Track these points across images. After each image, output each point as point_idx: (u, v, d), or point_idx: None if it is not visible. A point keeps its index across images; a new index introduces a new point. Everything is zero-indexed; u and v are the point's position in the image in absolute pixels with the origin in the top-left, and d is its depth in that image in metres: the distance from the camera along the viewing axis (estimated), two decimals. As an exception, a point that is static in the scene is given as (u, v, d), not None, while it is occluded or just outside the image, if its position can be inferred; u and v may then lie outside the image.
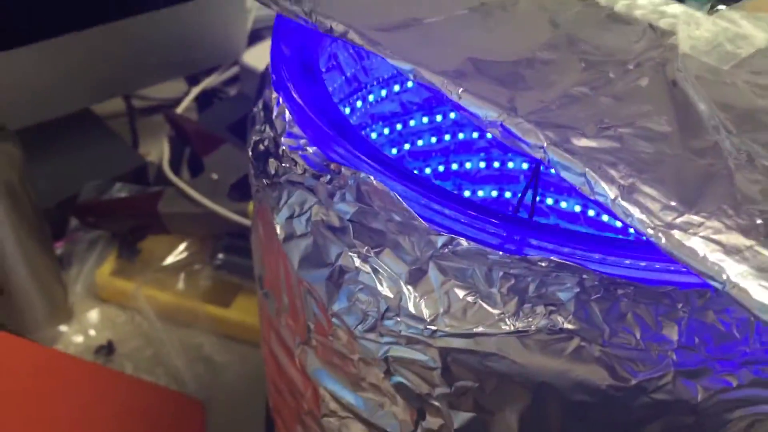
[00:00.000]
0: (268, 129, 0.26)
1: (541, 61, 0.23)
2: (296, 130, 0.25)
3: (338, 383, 0.26)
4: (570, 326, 0.20)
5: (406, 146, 0.44)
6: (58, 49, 0.56)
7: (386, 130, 0.42)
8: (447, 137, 0.45)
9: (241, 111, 0.59)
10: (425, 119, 0.43)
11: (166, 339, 0.50)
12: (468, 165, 0.46)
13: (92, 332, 0.51)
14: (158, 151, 0.60)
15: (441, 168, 0.45)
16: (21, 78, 0.55)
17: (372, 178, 0.22)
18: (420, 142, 0.44)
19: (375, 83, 0.40)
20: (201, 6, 0.62)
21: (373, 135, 0.42)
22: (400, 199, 0.21)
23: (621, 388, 0.20)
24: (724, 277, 0.17)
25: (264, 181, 0.25)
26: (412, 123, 0.43)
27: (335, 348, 0.25)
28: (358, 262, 0.23)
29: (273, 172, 0.25)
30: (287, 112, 0.25)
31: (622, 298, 0.20)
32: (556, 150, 0.20)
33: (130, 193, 0.54)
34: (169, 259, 0.53)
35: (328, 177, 0.23)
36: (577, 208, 0.43)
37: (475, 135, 0.44)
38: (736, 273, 0.17)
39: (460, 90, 0.21)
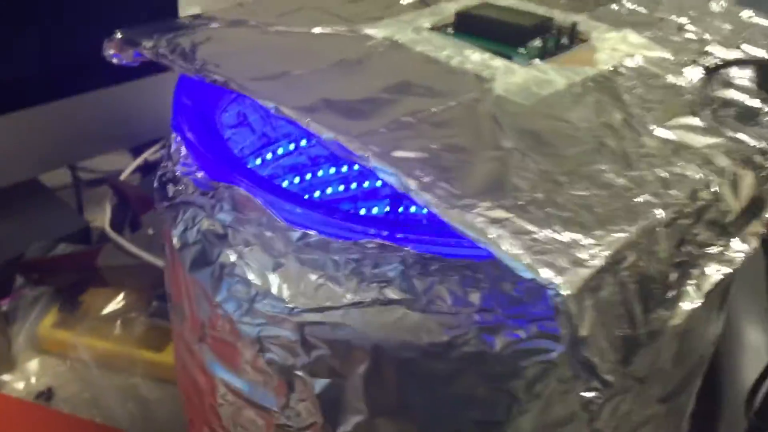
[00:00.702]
0: (169, 163, 0.32)
1: (381, 100, 0.30)
2: (189, 160, 0.31)
3: (228, 371, 0.31)
4: (396, 297, 0.26)
5: (317, 194, 0.50)
6: (6, 124, 0.62)
7: (296, 180, 0.48)
8: (353, 186, 0.51)
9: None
10: (332, 170, 0.50)
11: (102, 383, 0.54)
12: (375, 210, 0.52)
13: (33, 380, 0.55)
14: (102, 218, 0.65)
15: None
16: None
17: (242, 189, 0.27)
18: (329, 190, 0.50)
19: (283, 139, 0.46)
20: (142, 85, 0.68)
21: (285, 183, 0.47)
22: (263, 205, 0.27)
23: (437, 344, 0.26)
24: (487, 237, 0.23)
25: (164, 204, 0.31)
26: (320, 173, 0.49)
27: (223, 338, 0.30)
28: (234, 258, 0.28)
29: (171, 195, 0.31)
30: (183, 147, 0.31)
31: (435, 272, 0.26)
32: (378, 159, 0.26)
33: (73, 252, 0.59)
34: (107, 309, 0.57)
35: (212, 193, 0.29)
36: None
37: (379, 183, 0.51)
38: (495, 235, 0.23)
39: (308, 120, 0.27)
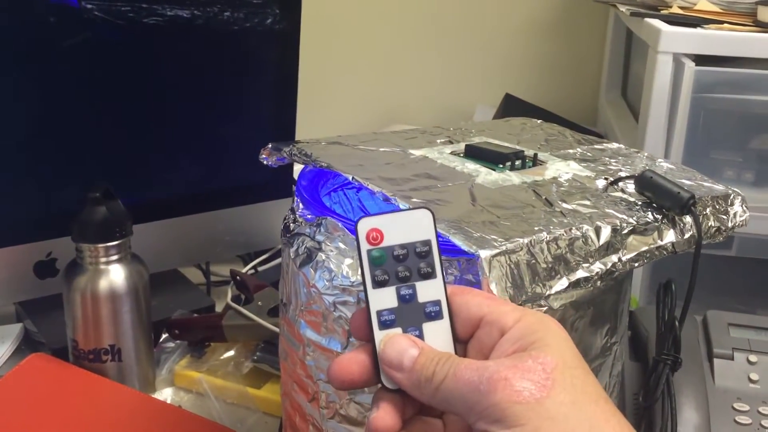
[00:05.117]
0: (290, 213, 0.59)
1: (409, 179, 0.56)
2: (302, 210, 0.58)
3: (313, 331, 0.56)
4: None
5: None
6: (160, 229, 0.92)
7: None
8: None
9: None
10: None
11: (215, 407, 0.79)
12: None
13: (168, 401, 0.81)
14: (226, 297, 0.92)
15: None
16: (143, 243, 0.90)
17: (329, 219, 0.54)
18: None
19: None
20: (258, 207, 0.98)
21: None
22: (341, 226, 0.53)
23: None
24: (450, 234, 0.48)
25: (287, 235, 0.58)
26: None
27: (313, 309, 0.55)
28: (324, 258, 0.54)
29: (291, 229, 0.58)
30: (300, 204, 0.58)
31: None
32: (400, 200, 0.52)
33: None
34: (223, 356, 0.83)
35: (314, 224, 0.56)
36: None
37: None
38: (454, 233, 0.48)
39: (368, 183, 0.54)
